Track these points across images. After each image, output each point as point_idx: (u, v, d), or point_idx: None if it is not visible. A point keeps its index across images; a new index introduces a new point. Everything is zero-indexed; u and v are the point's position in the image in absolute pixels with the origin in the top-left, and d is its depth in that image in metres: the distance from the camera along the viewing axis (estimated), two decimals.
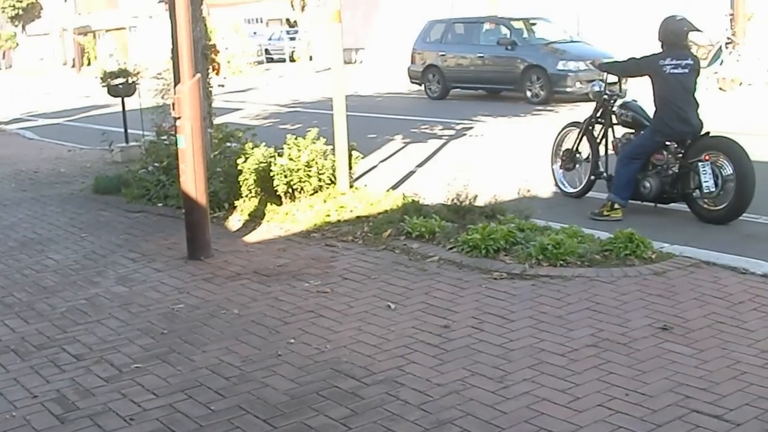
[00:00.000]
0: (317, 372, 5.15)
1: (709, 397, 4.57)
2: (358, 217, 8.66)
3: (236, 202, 9.39)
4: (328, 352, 5.46)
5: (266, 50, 49.01)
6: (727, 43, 24.01)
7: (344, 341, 5.63)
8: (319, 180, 9.27)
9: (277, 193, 9.23)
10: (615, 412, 4.46)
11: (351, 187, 9.51)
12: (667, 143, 9.01)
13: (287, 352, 5.48)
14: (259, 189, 9.34)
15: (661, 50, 9.04)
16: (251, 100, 26.86)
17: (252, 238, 8.56)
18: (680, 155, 8.94)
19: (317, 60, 38.70)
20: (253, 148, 9.56)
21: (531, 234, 7.48)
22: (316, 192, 9.25)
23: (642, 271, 6.80)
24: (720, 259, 7.07)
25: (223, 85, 31.58)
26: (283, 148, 9.32)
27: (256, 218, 9.08)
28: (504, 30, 23.21)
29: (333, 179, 9.39)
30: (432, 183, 10.30)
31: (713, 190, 8.60)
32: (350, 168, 9.60)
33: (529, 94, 21.66)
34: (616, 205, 9.02)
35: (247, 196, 9.36)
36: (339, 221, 8.61)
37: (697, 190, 8.74)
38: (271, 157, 9.32)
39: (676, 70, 8.86)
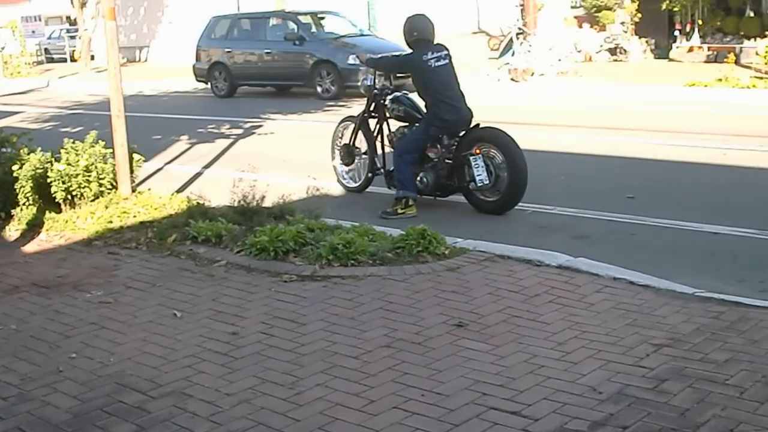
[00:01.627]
0: (101, 387, 4.98)
1: (506, 393, 4.64)
2: (141, 222, 8.45)
3: (13, 211, 9.00)
4: (112, 366, 5.29)
5: (46, 50, 47.30)
6: (518, 34, 24.78)
7: (129, 353, 5.48)
8: (100, 185, 9.00)
9: (56, 200, 8.90)
10: (411, 413, 4.47)
11: (134, 191, 9.28)
12: (440, 136, 9.27)
13: (69, 368, 5.29)
14: (36, 196, 8.98)
15: (416, 47, 9.36)
16: (31, 102, 25.87)
17: (30, 248, 8.25)
18: (453, 147, 9.22)
19: (99, 59, 37.63)
20: (29, 154, 9.19)
21: (321, 234, 7.46)
22: (98, 198, 8.98)
23: (435, 267, 6.86)
24: (515, 252, 7.19)
25: None
26: (60, 153, 9.00)
27: (34, 227, 8.73)
28: (291, 25, 23.21)
29: (115, 184, 9.14)
30: (219, 184, 10.17)
31: (486, 182, 8.94)
32: (132, 172, 9.36)
33: (319, 89, 21.76)
34: (410, 202, 9.15)
35: (24, 204, 8.99)
36: (122, 227, 8.39)
37: (472, 183, 9.03)
38: (48, 162, 8.99)
39: (439, 63, 9.24)
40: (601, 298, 6.08)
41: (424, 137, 9.27)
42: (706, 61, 23.80)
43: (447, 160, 9.22)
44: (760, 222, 8.30)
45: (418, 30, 9.34)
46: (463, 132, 9.21)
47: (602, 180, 10.64)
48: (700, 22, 24.62)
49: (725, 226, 8.19)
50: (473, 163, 8.94)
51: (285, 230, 7.38)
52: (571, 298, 6.10)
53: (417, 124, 9.44)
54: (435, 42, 9.41)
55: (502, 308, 5.96)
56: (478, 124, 9.20)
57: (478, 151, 8.93)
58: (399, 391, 4.75)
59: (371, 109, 10.10)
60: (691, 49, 24.66)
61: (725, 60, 20.94)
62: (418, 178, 9.29)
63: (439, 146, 9.26)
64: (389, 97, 9.92)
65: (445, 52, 9.33)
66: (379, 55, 10.62)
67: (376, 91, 10.02)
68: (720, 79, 18.90)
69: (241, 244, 7.48)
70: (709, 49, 24.29)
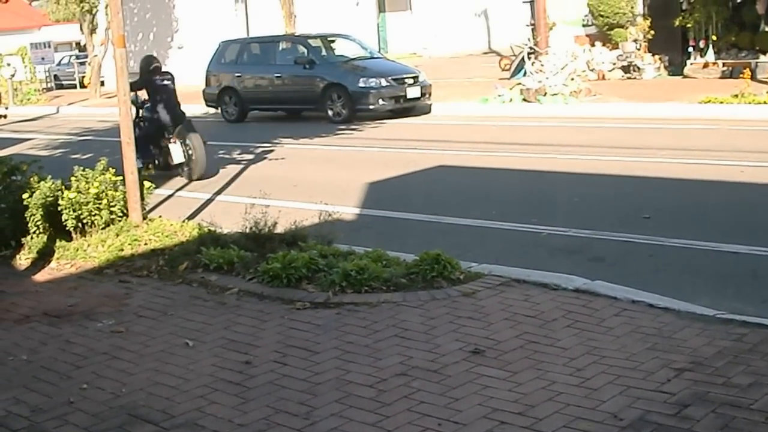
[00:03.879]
0: (113, 419, 4.96)
1: (525, 422, 4.60)
2: (152, 250, 8.45)
3: (23, 240, 9.01)
4: (124, 396, 5.27)
5: (55, 76, 47.59)
6: (529, 54, 24.75)
7: (141, 384, 5.45)
8: (111, 213, 9.01)
9: (67, 229, 8.91)
10: None
11: (145, 218, 9.29)
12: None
13: (80, 399, 5.27)
14: (47, 225, 8.99)
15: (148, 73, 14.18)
16: (41, 129, 26.02)
17: (41, 277, 8.25)
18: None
19: (109, 84, 37.80)
20: (39, 182, 9.21)
21: (334, 260, 7.43)
22: (108, 225, 8.99)
23: (450, 293, 6.82)
24: (531, 276, 7.14)
25: (5, 116, 30.52)
26: (71, 181, 9.01)
27: (45, 256, 8.74)
28: (301, 48, 23.25)
29: (125, 211, 9.14)
30: (230, 211, 10.18)
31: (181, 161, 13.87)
32: (143, 199, 9.38)
33: (330, 113, 21.73)
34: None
35: (34, 232, 9.00)
36: (133, 255, 8.38)
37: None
38: (58, 190, 9.00)
39: (164, 83, 14.18)
40: (620, 321, 6.03)
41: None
42: (721, 77, 23.74)
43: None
44: None
45: (144, 65, 14.30)
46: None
47: (618, 200, 10.60)
48: (714, 37, 24.56)
49: (745, 245, 8.12)
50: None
51: (297, 257, 7.36)
52: (589, 322, 6.05)
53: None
54: (161, 71, 14.37)
55: (519, 334, 5.91)
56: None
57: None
58: (415, 420, 4.71)
59: (136, 118, 13.87)
60: (705, 66, 24.59)
61: (741, 76, 20.83)
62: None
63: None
64: (144, 106, 14.39)
65: (168, 77, 14.33)
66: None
67: (138, 103, 14.20)
68: (735, 95, 18.82)
69: (253, 272, 7.46)
70: (723, 65, 24.23)
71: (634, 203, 10.22)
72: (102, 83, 38.18)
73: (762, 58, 23.26)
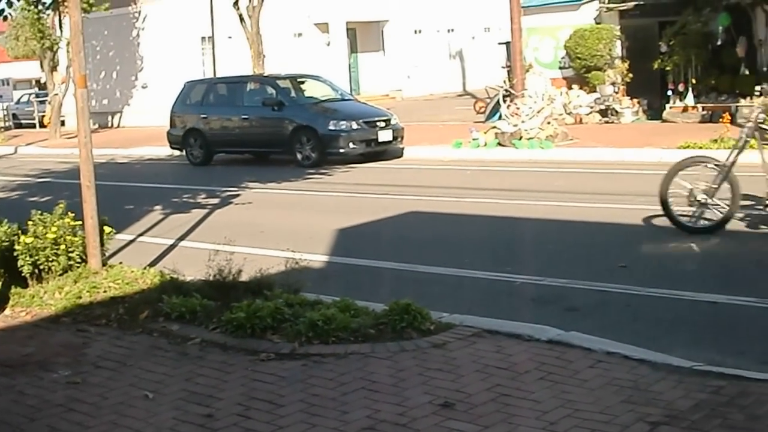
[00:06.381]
0: None
1: None
2: (112, 298, 8.42)
3: None
4: None
5: (14, 115, 47.57)
6: (505, 96, 24.95)
7: None
8: (69, 259, 8.98)
9: (23, 275, 8.88)
10: None
11: (104, 265, 9.26)
12: None
13: None
14: (2, 270, 8.93)
15: None
16: None
17: None
18: None
19: (70, 124, 37.78)
20: None
21: (301, 309, 7.41)
22: (66, 272, 8.95)
23: (420, 344, 6.82)
24: (503, 326, 7.15)
25: None
26: (28, 225, 8.99)
27: None
28: (270, 89, 23.33)
29: (84, 257, 9.12)
30: (194, 257, 10.17)
31: None
32: (103, 244, 9.35)
33: (299, 156, 21.76)
34: None
35: None
36: (92, 303, 8.35)
37: None
38: (14, 234, 8.98)
39: None
40: (595, 374, 6.06)
41: None
42: (701, 122, 24.01)
43: None
44: (760, 290, 8.32)
45: None
46: None
47: (594, 248, 10.68)
48: (693, 81, 24.88)
49: (723, 295, 8.20)
50: None
51: (263, 306, 7.35)
52: (563, 374, 6.07)
53: None
54: None
55: (491, 386, 5.92)
56: None
57: None
58: None
59: None
60: (685, 109, 24.89)
61: (720, 120, 21.05)
62: None
63: None
64: None
65: None
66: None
67: None
68: (715, 140, 19.00)
69: (216, 321, 7.44)
70: (703, 108, 24.52)
71: (611, 251, 10.31)
72: (62, 123, 38.15)
73: (742, 101, 23.54)
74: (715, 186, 10.77)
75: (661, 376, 5.93)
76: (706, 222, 10.93)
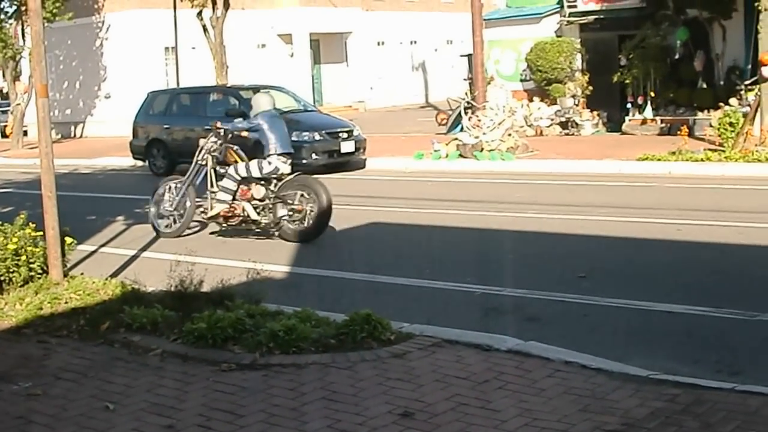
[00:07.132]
0: None
1: None
2: (73, 309, 8.37)
3: None
4: None
5: None
6: (466, 108, 25.03)
7: None
8: (30, 270, 8.94)
9: None
10: None
11: (66, 276, 9.21)
12: None
13: None
14: None
15: None
16: None
17: None
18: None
19: (32, 134, 37.50)
20: None
21: (261, 320, 7.42)
22: (27, 283, 8.90)
23: (380, 354, 6.84)
24: (463, 336, 7.19)
25: None
26: None
27: None
28: (233, 100, 23.22)
29: (45, 268, 9.07)
30: (155, 268, 10.14)
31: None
32: (64, 255, 9.31)
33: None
34: None
35: None
36: (53, 314, 8.29)
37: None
38: None
39: None
40: (553, 383, 6.10)
41: None
42: (659, 134, 24.27)
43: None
44: (716, 300, 8.41)
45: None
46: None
47: (553, 259, 10.74)
48: (652, 94, 25.11)
49: (680, 305, 8.29)
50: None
51: (224, 316, 7.34)
52: (522, 383, 6.11)
53: None
54: None
55: (450, 396, 5.94)
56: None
57: None
58: None
59: None
60: (644, 122, 25.14)
61: (679, 132, 21.27)
62: None
63: None
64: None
65: None
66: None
67: None
68: (673, 153, 19.22)
69: (177, 332, 7.42)
70: (662, 121, 24.79)
71: (570, 262, 10.37)
72: (25, 133, 37.83)
73: (700, 115, 23.80)
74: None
75: (617, 385, 5.98)
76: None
